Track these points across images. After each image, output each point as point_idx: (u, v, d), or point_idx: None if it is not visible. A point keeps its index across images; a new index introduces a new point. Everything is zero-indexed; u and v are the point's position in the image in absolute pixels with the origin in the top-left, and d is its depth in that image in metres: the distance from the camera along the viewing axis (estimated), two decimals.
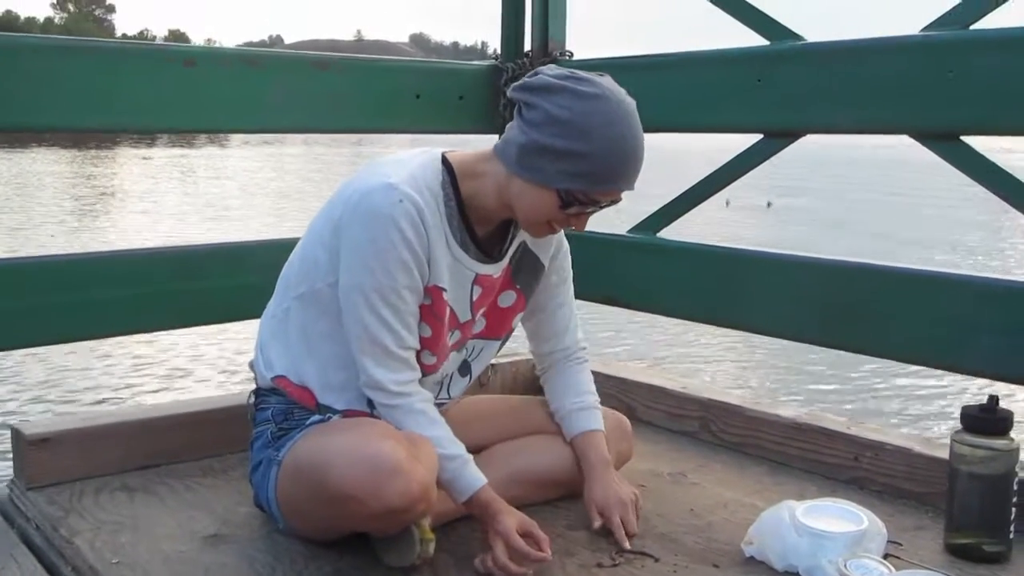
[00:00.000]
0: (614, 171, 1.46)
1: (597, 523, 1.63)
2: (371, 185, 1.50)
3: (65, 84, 1.86)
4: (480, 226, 1.60)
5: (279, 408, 1.63)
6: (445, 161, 1.57)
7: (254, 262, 2.11)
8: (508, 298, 1.72)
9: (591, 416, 1.76)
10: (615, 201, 1.51)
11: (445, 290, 1.56)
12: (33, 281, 1.90)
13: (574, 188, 1.46)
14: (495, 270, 1.65)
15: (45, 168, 25.01)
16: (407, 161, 1.56)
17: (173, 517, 1.71)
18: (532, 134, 1.46)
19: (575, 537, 1.64)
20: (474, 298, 1.63)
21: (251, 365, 1.72)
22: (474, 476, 1.54)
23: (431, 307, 1.56)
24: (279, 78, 2.12)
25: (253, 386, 1.71)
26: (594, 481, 1.68)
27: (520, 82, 1.50)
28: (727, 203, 17.57)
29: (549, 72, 1.48)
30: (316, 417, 1.59)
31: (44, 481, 1.82)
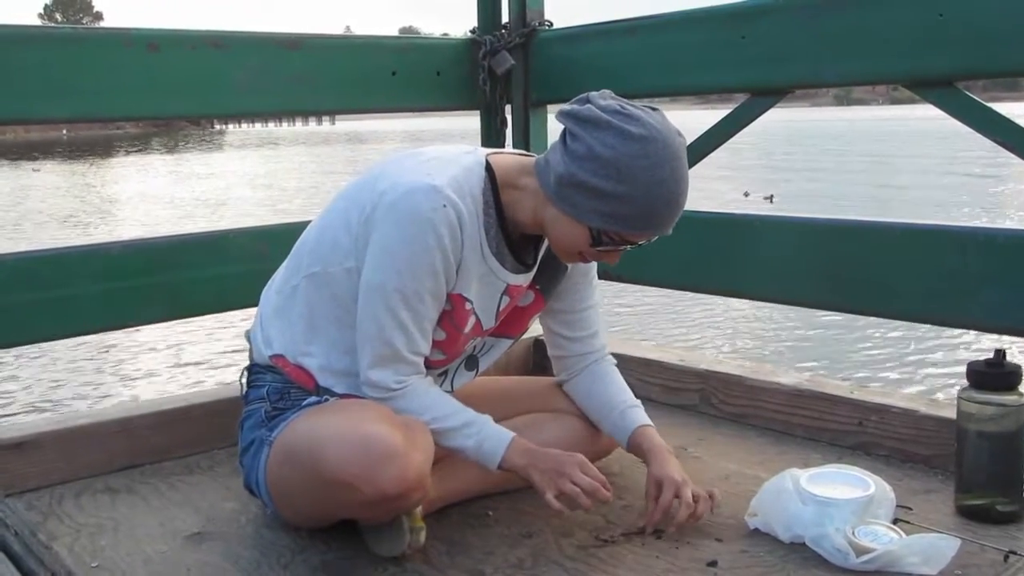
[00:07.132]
0: (650, 217, 1.40)
1: (652, 496, 1.54)
2: (414, 184, 1.42)
3: (21, 73, 1.79)
4: (512, 234, 1.55)
5: (275, 387, 1.56)
6: (488, 167, 1.51)
7: (233, 251, 2.05)
8: (526, 298, 1.66)
9: (642, 413, 1.70)
10: (649, 240, 1.45)
11: (469, 300, 1.51)
12: (1, 279, 1.83)
13: (607, 228, 1.41)
14: (526, 279, 1.60)
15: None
16: (452, 161, 1.49)
17: (155, 517, 1.66)
18: (572, 167, 1.39)
19: (572, 517, 1.58)
20: (501, 307, 1.59)
21: (248, 336, 1.66)
22: (502, 430, 1.51)
23: (451, 313, 1.51)
24: (247, 59, 2.06)
25: (244, 364, 1.64)
26: (654, 462, 1.59)
27: (568, 107, 1.43)
28: (746, 195, 16.93)
29: (599, 103, 1.40)
30: (313, 398, 1.53)
31: (23, 486, 1.77)
